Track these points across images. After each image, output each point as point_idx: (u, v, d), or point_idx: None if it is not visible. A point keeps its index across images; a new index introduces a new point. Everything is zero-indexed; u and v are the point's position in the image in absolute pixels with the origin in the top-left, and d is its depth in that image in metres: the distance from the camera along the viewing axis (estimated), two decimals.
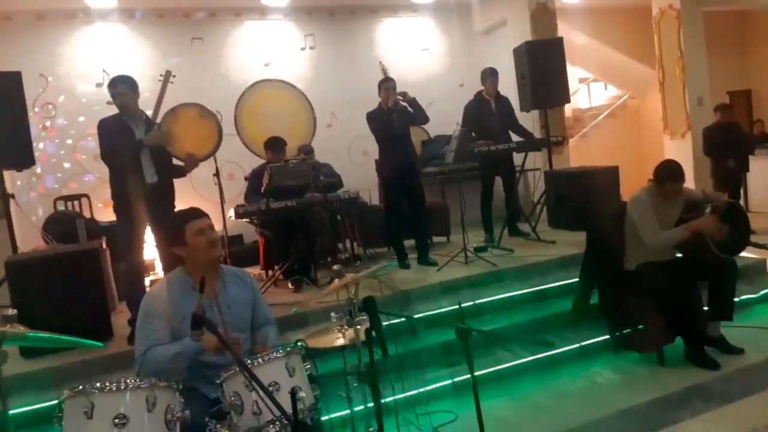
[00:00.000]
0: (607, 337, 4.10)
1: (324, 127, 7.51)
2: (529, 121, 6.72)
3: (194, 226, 2.45)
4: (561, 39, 6.73)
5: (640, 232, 3.76)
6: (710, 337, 3.78)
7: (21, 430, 3.07)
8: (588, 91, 12.40)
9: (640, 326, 3.92)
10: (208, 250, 2.47)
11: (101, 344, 2.30)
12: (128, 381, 1.83)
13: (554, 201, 6.39)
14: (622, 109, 10.74)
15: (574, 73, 10.36)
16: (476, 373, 2.32)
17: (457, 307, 4.16)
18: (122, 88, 4.00)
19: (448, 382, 3.69)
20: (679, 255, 4.04)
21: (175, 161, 4.25)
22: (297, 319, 4.14)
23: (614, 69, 10.14)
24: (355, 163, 7.50)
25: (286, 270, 5.13)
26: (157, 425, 1.81)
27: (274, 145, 5.49)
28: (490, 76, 5.91)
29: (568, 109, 8.86)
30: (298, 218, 5.22)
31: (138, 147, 3.93)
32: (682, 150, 7.63)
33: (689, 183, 4.45)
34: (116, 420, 1.74)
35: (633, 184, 5.35)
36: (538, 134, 6.68)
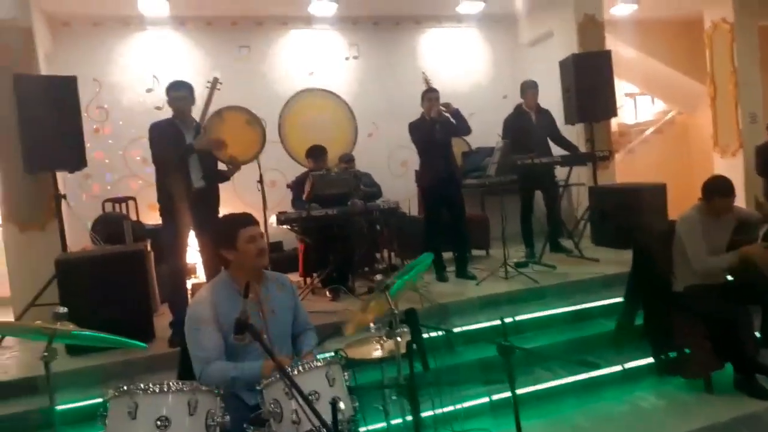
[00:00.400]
0: (652, 360, 3.96)
1: (365, 137, 7.53)
2: (573, 135, 6.60)
3: (247, 233, 2.48)
4: (609, 52, 6.61)
5: (688, 254, 3.64)
6: (762, 365, 3.61)
7: (66, 426, 3.13)
8: (634, 105, 12.13)
9: (688, 350, 3.78)
10: (257, 258, 2.51)
11: (144, 345, 2.33)
12: (171, 384, 1.85)
13: (599, 217, 6.24)
14: (669, 124, 10.45)
15: (620, 88, 10.12)
16: (516, 392, 2.27)
17: (496, 323, 4.14)
18: (183, 92, 4.10)
19: (486, 399, 3.63)
20: (730, 278, 3.89)
21: (220, 165, 4.32)
22: (333, 327, 4.13)
23: (662, 83, 9.89)
24: (394, 174, 7.49)
25: (324, 278, 5.15)
26: (197, 428, 1.82)
27: (316, 153, 5.54)
28: (529, 88, 5.84)
29: (613, 124, 8.65)
30: (338, 227, 5.25)
31: (188, 151, 4.01)
32: (732, 168, 7.37)
33: (740, 203, 4.29)
34: (158, 422, 1.76)
35: (681, 203, 5.18)
36: (582, 149, 6.55)
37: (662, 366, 3.91)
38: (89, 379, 3.59)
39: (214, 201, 4.27)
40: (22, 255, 4.76)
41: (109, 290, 3.98)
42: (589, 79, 6.32)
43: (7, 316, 4.96)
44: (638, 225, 5.41)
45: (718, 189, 3.65)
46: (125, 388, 1.82)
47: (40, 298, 4.41)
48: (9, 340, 4.61)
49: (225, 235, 2.49)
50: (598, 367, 3.56)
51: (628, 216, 5.78)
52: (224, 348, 2.39)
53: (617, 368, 3.90)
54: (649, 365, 3.97)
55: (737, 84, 7.61)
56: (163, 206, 4.13)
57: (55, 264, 4.11)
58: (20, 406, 3.42)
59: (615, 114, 6.80)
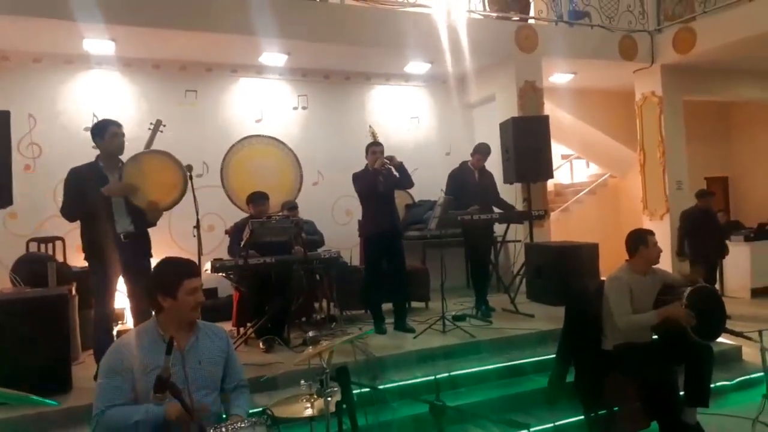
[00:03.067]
0: (583, 417, 4.00)
1: (310, 185, 7.54)
2: (511, 193, 6.82)
3: (190, 284, 2.39)
4: (547, 117, 6.93)
5: (613, 312, 3.76)
6: (687, 423, 3.71)
7: None
8: (570, 167, 12.68)
9: (616, 408, 3.84)
10: (193, 311, 2.43)
11: (55, 403, 2.17)
12: None
13: (534, 273, 6.40)
14: (602, 186, 10.97)
15: (557, 149, 10.61)
16: None
17: (431, 378, 4.12)
18: (121, 129, 3.99)
19: None
20: (656, 337, 4.02)
21: None
22: (267, 381, 3.99)
23: (596, 148, 10.42)
24: (338, 222, 7.50)
25: (258, 328, 5.01)
26: None
27: (257, 199, 5.48)
28: (482, 152, 5.95)
29: (550, 184, 9.02)
30: (275, 275, 5.15)
31: (105, 197, 3.87)
32: (660, 231, 7.71)
33: (666, 265, 4.48)
34: None
35: (612, 261, 5.37)
36: (519, 207, 6.76)
37: (592, 424, 3.95)
38: None
39: (145, 244, 4.13)
40: None
41: (25, 336, 3.74)
42: (528, 142, 6.59)
43: None
44: (571, 283, 5.57)
45: (640, 237, 3.82)
46: None
47: None
48: None
49: (166, 282, 2.38)
50: (527, 428, 3.56)
51: (562, 273, 5.96)
52: (132, 398, 2.29)
53: (548, 426, 3.93)
54: (579, 422, 4.01)
55: (665, 152, 8.11)
56: (89, 251, 3.96)
57: None
58: None
59: (551, 176, 7.10)
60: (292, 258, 5.10)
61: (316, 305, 5.97)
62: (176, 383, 1.92)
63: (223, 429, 1.95)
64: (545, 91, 7.49)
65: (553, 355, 4.37)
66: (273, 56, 6.87)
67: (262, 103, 7.42)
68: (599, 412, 3.92)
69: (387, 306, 5.46)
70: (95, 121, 6.42)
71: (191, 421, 1.76)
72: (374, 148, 5.21)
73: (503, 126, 6.82)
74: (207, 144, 6.91)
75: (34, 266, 5.06)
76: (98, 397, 2.30)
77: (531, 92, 7.26)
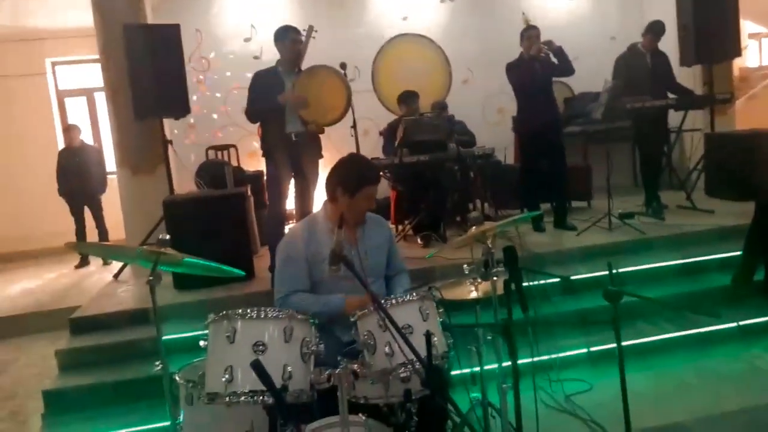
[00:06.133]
0: None
1: (459, 83, 7.30)
2: (689, 78, 6.04)
3: (370, 190, 2.45)
4: None
5: None
6: None
7: (172, 355, 3.33)
8: (759, 47, 10.94)
9: None
10: (363, 215, 2.51)
11: (243, 273, 2.41)
12: (268, 311, 1.88)
13: (715, 166, 5.72)
14: None
15: (744, 28, 9.14)
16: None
17: (597, 274, 3.93)
18: (300, 35, 4.12)
19: (584, 350, 3.49)
20: None
21: None
22: (427, 273, 4.09)
23: None
24: (489, 122, 7.24)
25: (416, 225, 5.11)
26: (293, 355, 1.84)
27: (408, 98, 5.43)
28: (655, 32, 5.28)
29: (734, 68, 7.84)
30: (430, 174, 5.15)
31: (273, 104, 4.04)
32: None
33: None
34: (255, 347, 1.79)
35: None
36: (699, 92, 5.98)
37: None
38: (193, 313, 3.80)
39: (317, 147, 4.31)
40: (134, 198, 5.05)
41: (212, 230, 4.16)
42: (710, 16, 5.71)
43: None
44: (761, 175, 4.91)
45: None
46: (224, 313, 1.87)
47: (152, 237, 4.69)
48: (125, 275, 5.00)
49: (349, 180, 2.42)
50: (718, 316, 3.29)
51: (750, 166, 5.26)
52: (309, 285, 2.43)
53: (732, 325, 3.61)
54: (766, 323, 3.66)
55: None
56: (266, 151, 4.24)
57: (163, 205, 4.34)
58: (133, 335, 3.70)
59: (739, 54, 6.13)
60: (445, 155, 5.03)
61: (471, 205, 5.92)
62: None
63: (393, 301, 2.01)
64: None
65: (738, 252, 3.97)
66: None
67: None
68: None
69: (545, 206, 5.25)
70: (253, 31, 6.76)
71: (365, 288, 1.82)
72: (529, 32, 4.83)
73: None
74: (357, 47, 6.89)
75: (213, 171, 5.56)
76: (278, 284, 2.47)
77: None
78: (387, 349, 1.88)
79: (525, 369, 2.68)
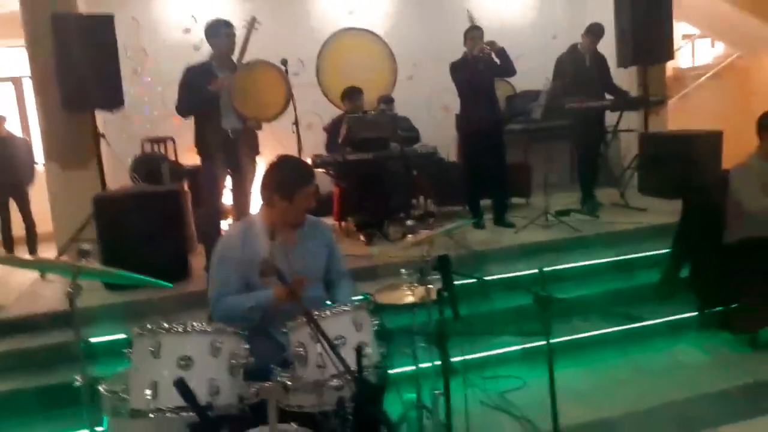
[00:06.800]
0: (697, 314, 3.81)
1: (404, 79, 7.30)
2: (625, 80, 6.23)
3: (308, 190, 2.41)
4: None
5: (741, 198, 3.42)
6: None
7: (98, 358, 3.22)
8: (692, 48, 11.40)
9: (735, 305, 3.61)
10: (303, 215, 2.47)
11: (170, 285, 2.32)
12: (194, 324, 1.82)
13: (648, 165, 5.95)
14: (729, 69, 9.79)
15: (677, 29, 9.51)
16: (551, 341, 2.19)
17: (533, 271, 4.03)
18: (233, 29, 3.99)
19: (518, 347, 3.57)
20: None
21: None
22: (366, 271, 4.10)
23: (724, 24, 9.22)
24: (434, 118, 7.26)
25: (359, 222, 5.10)
26: (221, 369, 1.80)
27: (352, 94, 5.40)
28: (594, 34, 5.42)
29: (668, 68, 8.15)
30: (374, 171, 5.14)
31: (213, 94, 3.93)
32: None
33: None
34: (181, 361, 1.74)
35: (738, 152, 4.86)
36: (635, 94, 6.18)
37: (707, 320, 3.77)
38: (125, 314, 3.68)
39: (253, 142, 4.22)
40: (63, 192, 4.84)
41: (146, 228, 4.00)
42: (647, 19, 5.89)
43: (50, 251, 5.12)
44: (691, 174, 5.14)
45: None
46: (149, 327, 1.81)
47: (81, 233, 4.50)
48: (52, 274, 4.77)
49: (284, 185, 2.37)
50: (641, 320, 3.44)
51: (681, 165, 5.49)
52: (243, 288, 2.39)
53: (660, 320, 3.77)
54: (692, 319, 3.84)
55: None
56: (200, 149, 4.12)
57: (93, 201, 4.16)
58: (58, 338, 3.52)
59: (672, 57, 6.40)
60: (389, 153, 5.04)
61: (414, 201, 5.96)
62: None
63: (327, 312, 1.99)
64: None
65: (666, 250, 4.14)
66: None
67: None
68: (717, 309, 3.72)
69: (485, 203, 5.33)
70: (193, 21, 6.55)
71: (296, 301, 1.80)
72: (473, 33, 4.88)
73: (619, 2, 6.10)
74: (301, 40, 6.78)
75: (149, 165, 5.37)
76: (212, 285, 2.42)
77: None
78: (319, 360, 1.86)
79: (458, 367, 2.74)
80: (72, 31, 4.58)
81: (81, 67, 4.54)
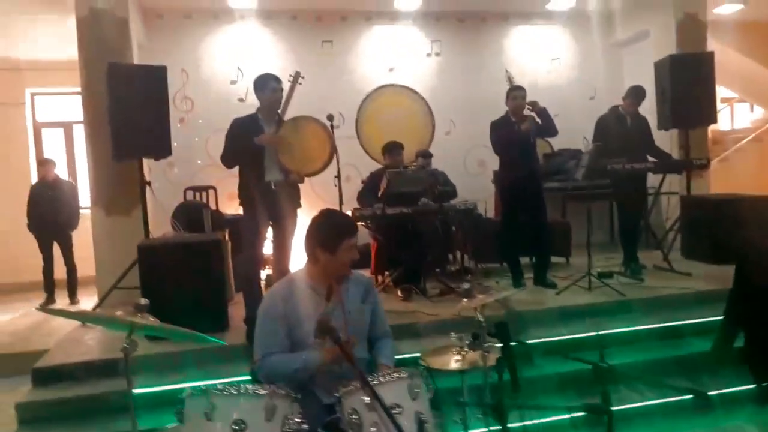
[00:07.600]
0: (753, 387, 3.61)
1: (442, 134, 7.38)
2: (665, 141, 6.19)
3: (350, 242, 2.42)
4: (712, 54, 6.15)
5: None
6: None
7: (141, 409, 3.16)
8: (731, 112, 11.34)
9: None
10: (348, 268, 2.46)
11: (223, 342, 2.29)
12: (249, 387, 1.78)
13: (691, 229, 5.82)
14: None
15: (717, 92, 9.50)
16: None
17: (576, 336, 3.90)
18: (281, 85, 4.09)
19: (566, 416, 3.42)
20: None
21: None
22: (408, 329, 4.02)
23: (764, 88, 9.17)
24: (470, 173, 7.30)
25: (396, 277, 5.05)
26: None
27: (392, 149, 5.45)
28: (635, 96, 5.40)
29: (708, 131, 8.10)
30: (411, 225, 5.12)
31: (259, 147, 3.99)
32: None
33: None
34: (234, 425, 1.69)
35: None
36: (676, 156, 6.13)
37: (764, 395, 3.56)
38: (165, 365, 3.64)
39: (295, 195, 4.25)
40: (107, 238, 4.92)
41: (187, 277, 4.04)
42: (687, 83, 5.89)
43: (92, 295, 5.15)
44: (743, 238, 4.98)
45: None
46: (203, 388, 1.77)
47: (123, 281, 4.54)
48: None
49: (327, 238, 2.38)
50: (707, 399, 3.26)
51: (726, 228, 5.34)
52: (289, 345, 2.35)
53: (713, 392, 3.58)
54: (748, 392, 3.63)
55: None
56: (243, 198, 4.16)
57: (138, 249, 4.20)
58: (100, 388, 3.51)
59: (715, 121, 6.35)
60: (428, 208, 5.03)
61: (451, 257, 5.89)
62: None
63: (380, 378, 1.93)
64: (709, 25, 6.62)
65: (715, 318, 3.97)
66: (407, 0, 6.68)
67: (396, 51, 7.30)
68: None
69: (524, 260, 5.24)
70: (239, 74, 6.76)
71: (351, 365, 1.74)
72: (515, 93, 4.89)
73: (659, 65, 6.14)
74: (342, 95, 6.95)
75: (191, 213, 5.43)
76: (257, 343, 2.38)
77: (692, 26, 6.46)
78: (374, 429, 1.79)
79: None
80: (127, 80, 4.75)
81: (133, 115, 4.69)
